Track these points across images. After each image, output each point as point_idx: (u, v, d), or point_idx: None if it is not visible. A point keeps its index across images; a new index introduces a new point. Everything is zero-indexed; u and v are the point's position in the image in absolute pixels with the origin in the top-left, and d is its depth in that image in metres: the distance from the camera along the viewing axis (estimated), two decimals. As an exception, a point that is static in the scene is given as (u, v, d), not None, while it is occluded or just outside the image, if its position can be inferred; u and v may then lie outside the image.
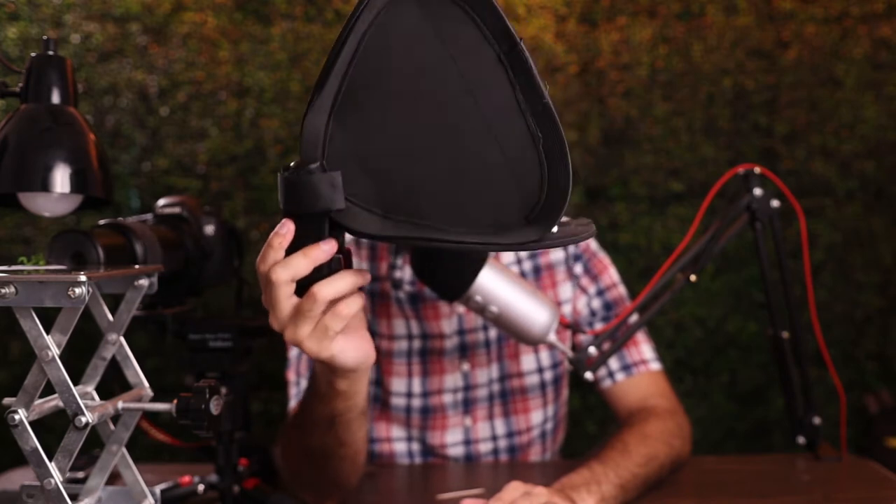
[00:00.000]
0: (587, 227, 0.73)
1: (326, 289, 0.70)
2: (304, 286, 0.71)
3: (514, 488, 0.86)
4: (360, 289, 0.74)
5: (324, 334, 0.73)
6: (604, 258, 1.25)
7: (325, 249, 0.69)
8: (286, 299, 0.71)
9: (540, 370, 1.21)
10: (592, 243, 1.25)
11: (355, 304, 0.73)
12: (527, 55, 0.62)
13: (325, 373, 0.83)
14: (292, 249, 0.70)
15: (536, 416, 1.22)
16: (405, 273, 1.18)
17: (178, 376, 1.70)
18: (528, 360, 1.21)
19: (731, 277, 1.91)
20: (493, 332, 1.20)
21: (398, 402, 1.20)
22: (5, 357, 1.80)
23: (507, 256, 1.21)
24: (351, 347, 0.77)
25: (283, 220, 0.70)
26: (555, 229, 0.66)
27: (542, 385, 1.22)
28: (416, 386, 1.19)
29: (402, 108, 0.65)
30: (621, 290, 1.24)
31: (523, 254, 1.22)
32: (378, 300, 1.19)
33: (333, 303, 0.72)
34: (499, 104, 0.64)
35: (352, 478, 0.98)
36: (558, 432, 1.28)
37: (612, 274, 1.24)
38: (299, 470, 1.01)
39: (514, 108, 0.63)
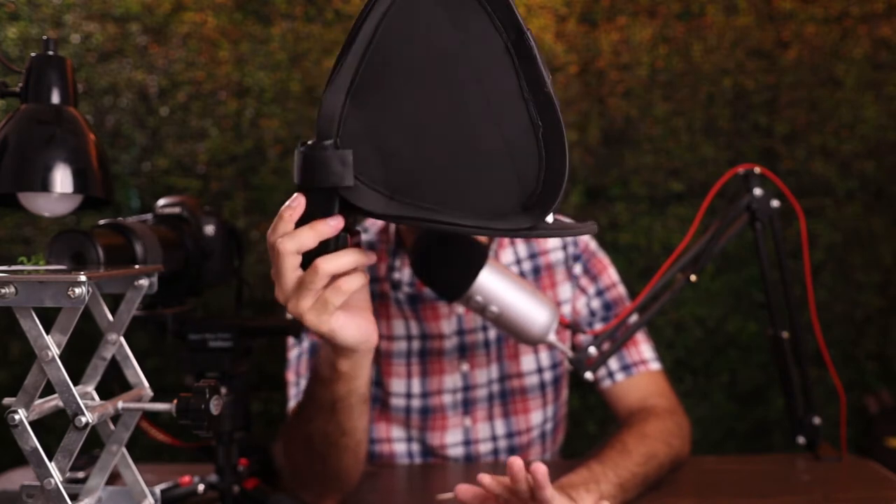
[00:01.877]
0: (587, 226, 0.74)
1: (329, 263, 0.73)
2: (309, 260, 0.73)
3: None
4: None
5: (324, 308, 0.75)
6: (603, 258, 1.25)
7: (331, 224, 0.72)
8: (291, 271, 0.74)
9: (539, 371, 1.21)
10: (592, 243, 1.25)
11: (356, 281, 0.75)
12: (532, 44, 0.64)
13: (327, 354, 0.85)
14: (302, 223, 0.72)
15: (536, 416, 1.22)
16: (404, 274, 1.18)
17: (178, 376, 1.70)
18: (527, 361, 1.21)
19: (731, 277, 1.91)
20: (492, 333, 1.19)
21: (398, 402, 1.20)
22: (5, 357, 1.80)
23: (507, 256, 1.21)
24: (352, 325, 0.79)
25: (295, 195, 0.72)
26: (550, 219, 0.67)
27: (542, 385, 1.22)
28: (416, 386, 1.19)
29: (414, 91, 0.67)
30: (621, 289, 1.24)
31: (523, 254, 1.22)
32: (377, 301, 1.19)
33: (336, 278, 0.74)
34: (503, 91, 0.65)
35: (353, 472, 0.98)
36: (558, 433, 1.28)
37: (611, 274, 1.24)
38: (300, 465, 1.00)
39: (518, 96, 0.65)
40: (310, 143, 0.70)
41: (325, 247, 0.73)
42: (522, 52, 0.65)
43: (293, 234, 0.72)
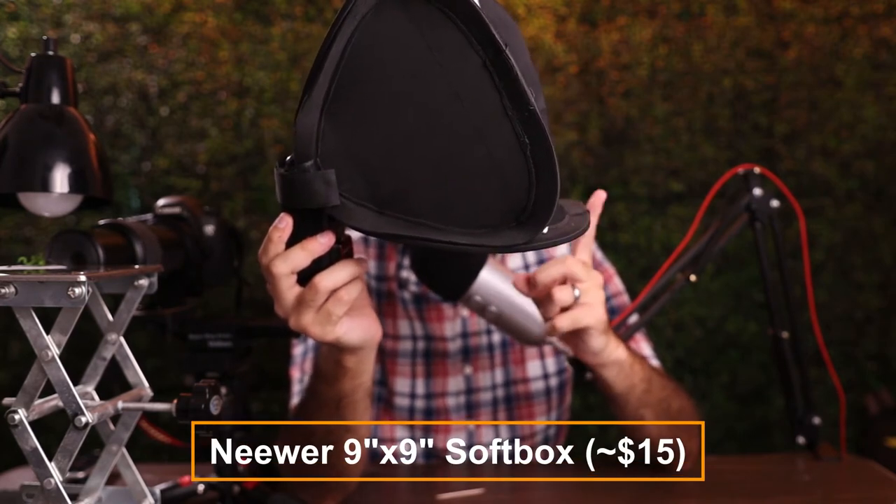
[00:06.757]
0: (580, 220, 0.73)
1: (327, 280, 0.73)
2: (305, 276, 0.73)
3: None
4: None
5: (327, 319, 0.75)
6: (609, 268, 1.27)
7: (322, 242, 0.71)
8: (288, 290, 0.74)
9: (545, 376, 1.21)
10: (598, 253, 1.27)
11: (355, 290, 0.75)
12: (512, 62, 0.62)
13: (332, 352, 0.84)
14: (292, 242, 0.72)
15: (540, 421, 1.22)
16: (412, 273, 1.18)
17: (178, 376, 1.70)
18: (533, 367, 1.21)
19: (731, 277, 1.91)
20: (496, 337, 1.20)
21: (401, 402, 1.20)
22: (5, 357, 1.80)
23: (515, 261, 1.21)
24: (356, 327, 0.79)
25: (282, 215, 0.72)
26: (545, 230, 0.67)
27: (548, 391, 1.22)
28: (420, 387, 1.20)
29: (390, 109, 0.66)
30: (626, 298, 1.25)
31: (531, 259, 1.22)
32: (384, 300, 1.19)
33: (335, 291, 0.74)
34: (486, 109, 0.64)
35: (354, 471, 0.98)
36: (560, 437, 1.28)
37: (617, 283, 1.26)
38: (301, 464, 1.00)
39: (501, 114, 0.64)
40: (288, 159, 0.69)
41: (319, 262, 0.73)
42: (502, 70, 0.63)
43: (285, 255, 0.72)
